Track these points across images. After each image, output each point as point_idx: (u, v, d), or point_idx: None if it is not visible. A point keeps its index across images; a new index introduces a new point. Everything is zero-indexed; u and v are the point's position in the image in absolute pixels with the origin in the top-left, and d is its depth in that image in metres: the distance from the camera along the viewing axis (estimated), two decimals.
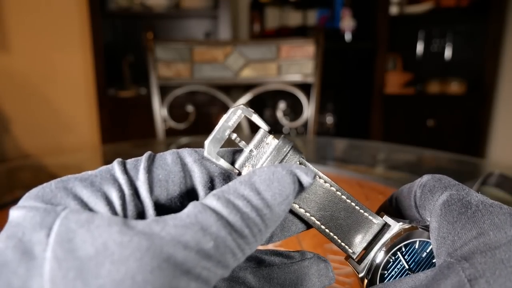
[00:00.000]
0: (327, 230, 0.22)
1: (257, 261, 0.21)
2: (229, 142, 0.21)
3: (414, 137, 2.19)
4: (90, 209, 0.16)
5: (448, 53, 2.25)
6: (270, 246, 0.47)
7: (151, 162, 0.18)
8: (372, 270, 0.23)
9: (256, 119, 0.20)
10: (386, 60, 2.14)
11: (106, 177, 0.17)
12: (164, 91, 1.20)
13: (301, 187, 0.17)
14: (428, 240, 0.22)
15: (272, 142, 0.20)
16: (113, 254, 0.13)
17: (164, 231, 0.14)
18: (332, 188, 0.22)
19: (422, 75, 2.23)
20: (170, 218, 0.15)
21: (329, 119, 2.33)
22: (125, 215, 0.17)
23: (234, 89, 2.11)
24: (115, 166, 0.18)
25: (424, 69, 2.27)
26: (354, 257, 0.23)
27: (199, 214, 0.15)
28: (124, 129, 2.13)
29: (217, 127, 0.20)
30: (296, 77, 1.20)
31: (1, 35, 2.08)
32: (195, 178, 0.19)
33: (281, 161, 0.20)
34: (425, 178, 0.22)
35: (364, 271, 0.23)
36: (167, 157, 0.19)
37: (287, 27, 2.30)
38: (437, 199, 0.21)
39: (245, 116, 0.20)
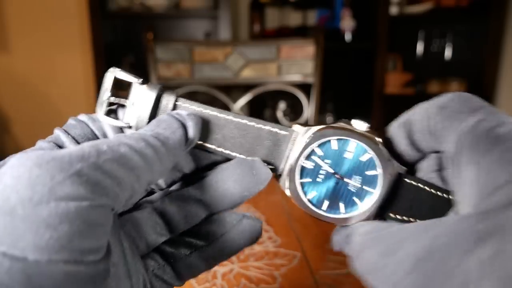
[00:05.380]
0: (227, 151, 0.22)
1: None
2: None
3: None
4: None
5: (448, 53, 2.25)
6: (270, 247, 0.47)
7: (68, 130, 0.21)
8: (289, 180, 0.21)
9: (123, 75, 0.23)
10: (386, 60, 2.14)
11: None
12: None
13: (190, 123, 0.20)
14: (347, 138, 0.21)
15: (145, 90, 0.22)
16: (13, 165, 0.15)
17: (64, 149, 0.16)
18: (214, 112, 0.22)
19: (422, 75, 2.23)
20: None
21: (329, 119, 2.33)
22: None
23: (234, 89, 2.11)
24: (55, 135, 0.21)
25: (424, 69, 2.27)
26: (278, 173, 0.22)
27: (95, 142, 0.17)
28: None
29: (100, 93, 0.22)
30: (296, 77, 1.20)
31: (1, 35, 2.08)
32: (101, 137, 0.22)
33: (157, 103, 0.22)
34: (448, 97, 0.18)
35: (286, 183, 0.22)
36: (71, 121, 0.22)
37: (287, 27, 2.30)
38: (458, 127, 0.16)
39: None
